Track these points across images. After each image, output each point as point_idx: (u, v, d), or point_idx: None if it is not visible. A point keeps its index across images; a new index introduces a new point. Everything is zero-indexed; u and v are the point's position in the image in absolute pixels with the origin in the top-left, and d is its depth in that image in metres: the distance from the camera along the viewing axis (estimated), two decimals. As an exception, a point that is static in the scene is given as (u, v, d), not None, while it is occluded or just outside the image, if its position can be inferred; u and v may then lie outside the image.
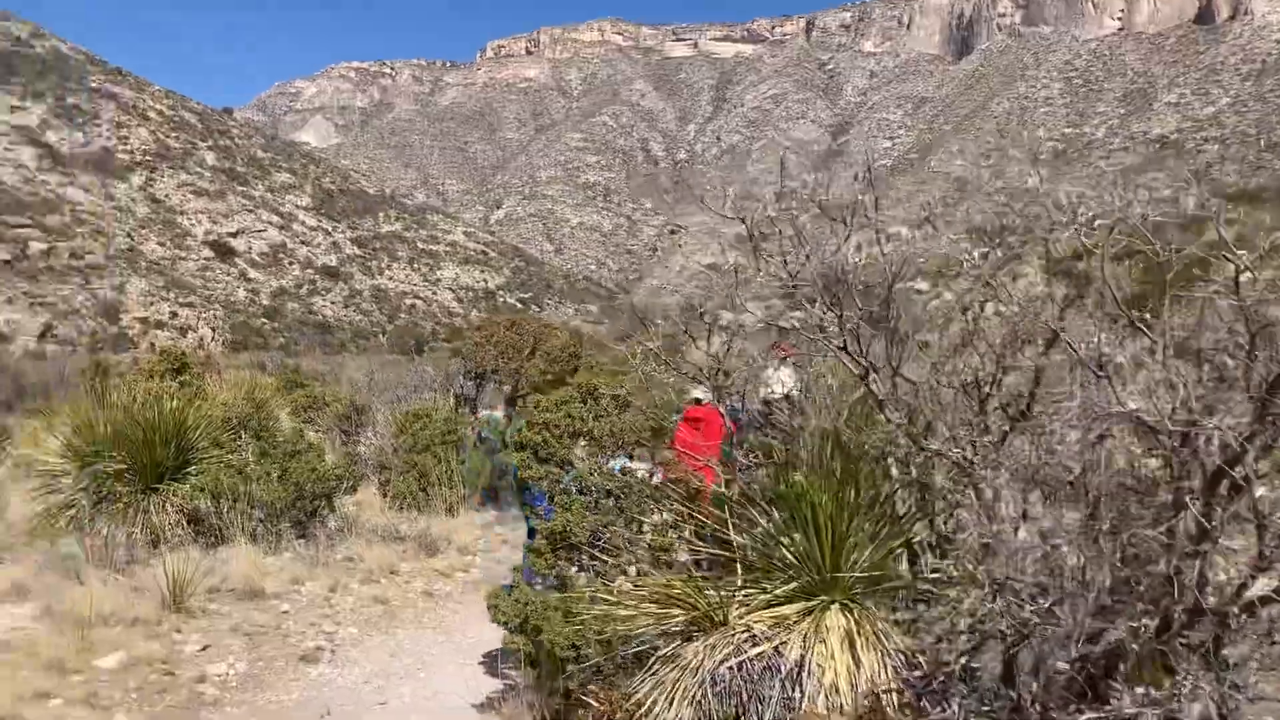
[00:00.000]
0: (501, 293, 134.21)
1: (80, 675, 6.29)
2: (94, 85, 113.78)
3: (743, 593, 5.00)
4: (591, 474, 5.85)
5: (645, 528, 5.78)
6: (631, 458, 13.50)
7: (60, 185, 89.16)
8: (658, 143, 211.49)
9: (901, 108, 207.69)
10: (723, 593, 4.89)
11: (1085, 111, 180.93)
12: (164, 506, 9.99)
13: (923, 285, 45.85)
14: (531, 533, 5.99)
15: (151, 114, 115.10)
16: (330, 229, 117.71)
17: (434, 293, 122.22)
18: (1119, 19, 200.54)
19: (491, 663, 7.43)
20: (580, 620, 5.17)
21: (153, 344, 61.28)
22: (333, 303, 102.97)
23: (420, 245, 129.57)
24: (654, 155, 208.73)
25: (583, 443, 6.03)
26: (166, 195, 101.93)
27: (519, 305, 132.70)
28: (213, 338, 72.17)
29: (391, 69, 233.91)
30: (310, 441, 11.66)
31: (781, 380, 11.89)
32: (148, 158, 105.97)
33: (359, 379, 16.53)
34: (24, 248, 71.25)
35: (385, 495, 12.48)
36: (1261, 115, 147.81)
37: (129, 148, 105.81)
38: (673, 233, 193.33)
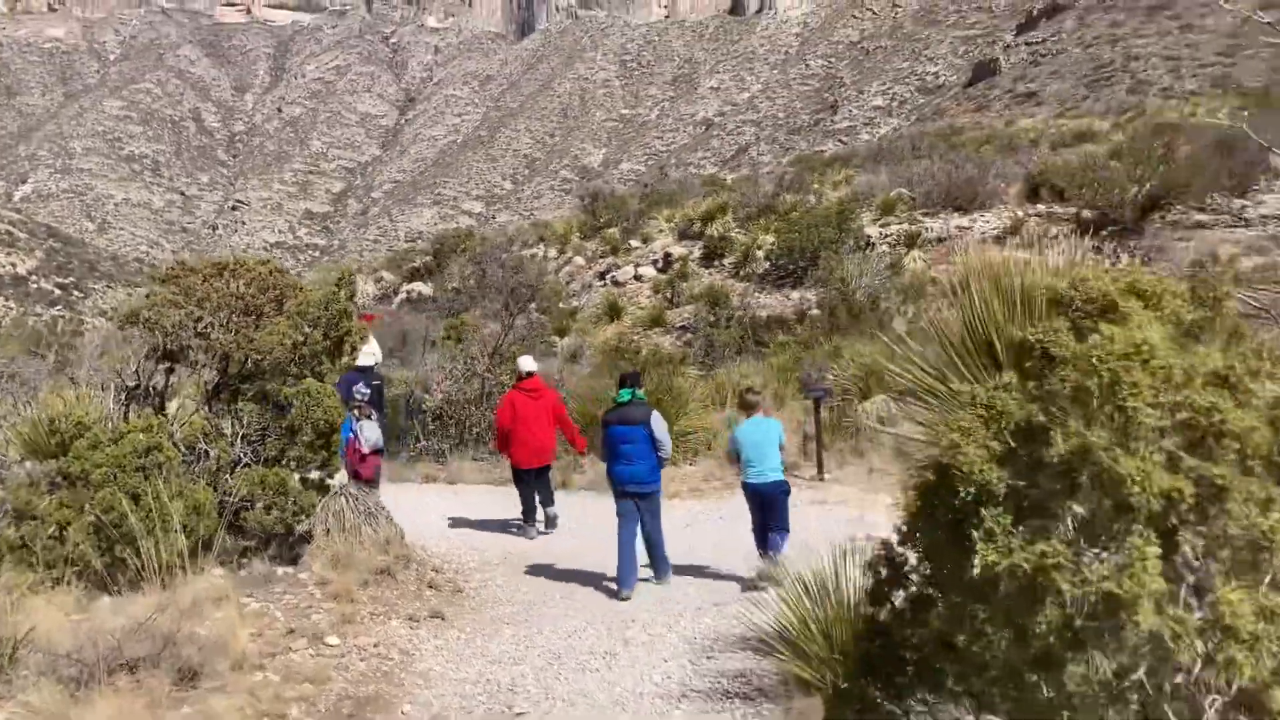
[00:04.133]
0: (35, 277, 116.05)
1: None
2: None
3: None
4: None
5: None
6: (359, 417, 9.43)
7: None
8: (212, 113, 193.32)
9: (468, 85, 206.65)
10: None
11: (640, 94, 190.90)
12: None
13: (552, 251, 43.92)
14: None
15: None
16: None
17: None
18: (665, 6, 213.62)
19: None
20: None
21: None
22: None
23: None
24: (208, 126, 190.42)
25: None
26: None
27: (57, 290, 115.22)
28: None
29: None
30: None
31: (369, 352, 11.78)
32: None
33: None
34: None
35: (37, 567, 7.14)
36: (787, 101, 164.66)
37: None
38: (234, 209, 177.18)
